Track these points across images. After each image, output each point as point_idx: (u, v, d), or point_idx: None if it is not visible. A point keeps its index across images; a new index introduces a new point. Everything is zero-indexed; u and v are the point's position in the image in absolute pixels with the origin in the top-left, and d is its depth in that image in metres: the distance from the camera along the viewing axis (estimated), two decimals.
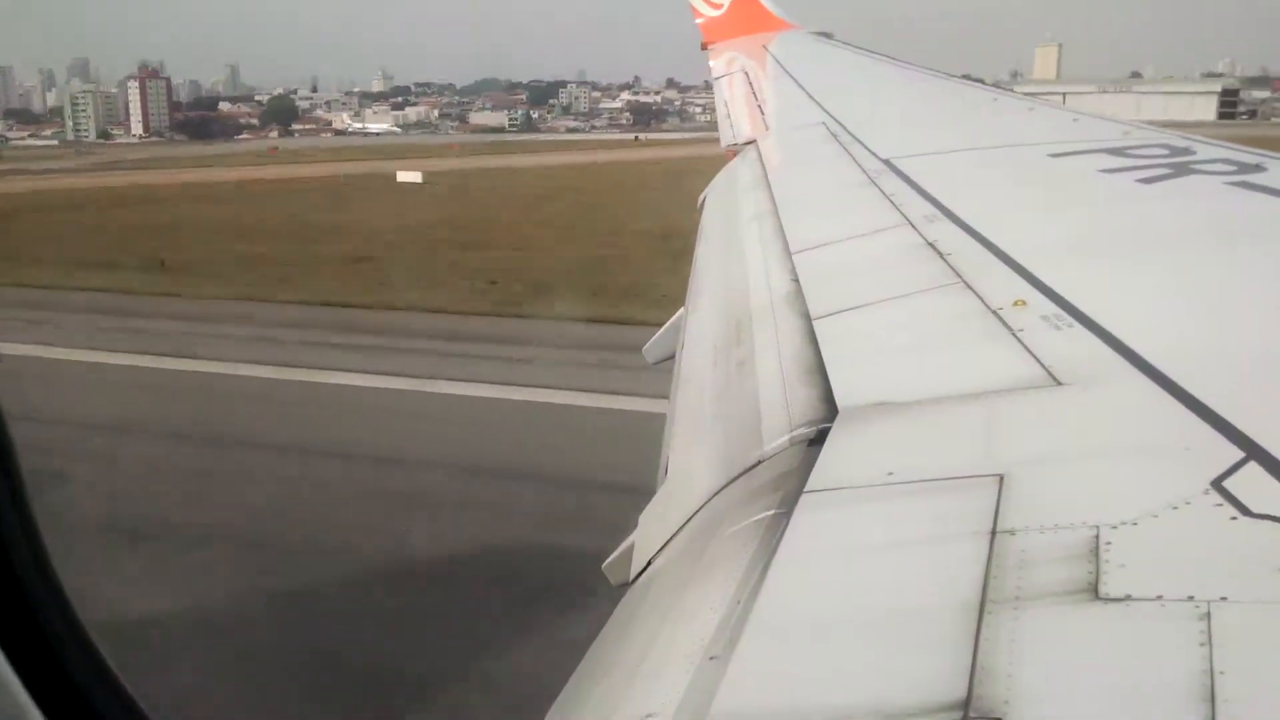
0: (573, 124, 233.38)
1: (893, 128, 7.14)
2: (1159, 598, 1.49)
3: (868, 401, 2.48)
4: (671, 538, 2.59)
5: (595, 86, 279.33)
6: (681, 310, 5.06)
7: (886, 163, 5.31)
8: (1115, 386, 2.26)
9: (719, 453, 2.88)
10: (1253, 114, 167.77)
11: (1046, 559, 1.65)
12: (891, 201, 4.50)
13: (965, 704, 1.35)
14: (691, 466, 3.00)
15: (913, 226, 3.99)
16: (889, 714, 1.39)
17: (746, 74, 11.25)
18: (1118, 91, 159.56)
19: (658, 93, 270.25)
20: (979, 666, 1.42)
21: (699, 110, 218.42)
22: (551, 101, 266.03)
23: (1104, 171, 4.51)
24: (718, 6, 13.30)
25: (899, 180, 4.87)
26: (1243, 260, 3.13)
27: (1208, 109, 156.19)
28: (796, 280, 3.81)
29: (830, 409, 2.53)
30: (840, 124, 6.90)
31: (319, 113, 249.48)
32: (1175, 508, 1.70)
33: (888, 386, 2.55)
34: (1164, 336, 2.51)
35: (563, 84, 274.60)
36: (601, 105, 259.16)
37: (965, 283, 3.19)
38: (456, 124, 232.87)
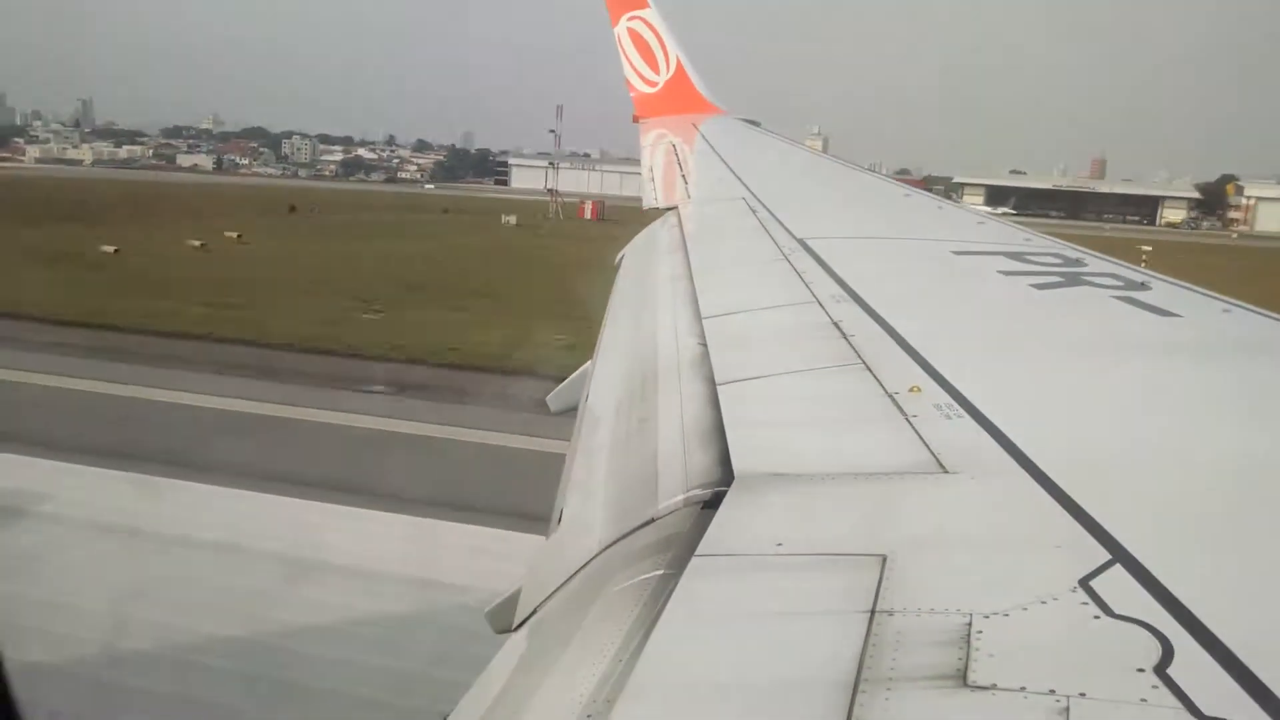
0: (271, 171, 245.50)
1: (810, 210, 7.36)
2: (1022, 689, 1.52)
3: (763, 471, 2.50)
4: (558, 589, 2.55)
5: (342, 141, 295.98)
6: (589, 362, 5.06)
7: (801, 242, 5.46)
8: (997, 479, 2.34)
9: (614, 507, 2.87)
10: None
11: (921, 642, 1.68)
12: (802, 279, 4.62)
13: None
14: (585, 518, 2.98)
15: (820, 305, 4.10)
16: None
17: (674, 146, 11.53)
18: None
19: (385, 150, 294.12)
20: None
21: (415, 170, 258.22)
22: (262, 149, 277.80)
23: (1002, 273, 4.72)
24: (652, 85, 13.67)
25: (811, 260, 5.01)
26: (1123, 370, 3.30)
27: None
28: (704, 344, 3.86)
29: (726, 474, 2.54)
30: (760, 201, 7.07)
31: (48, 140, 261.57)
32: (1044, 603, 1.76)
33: (784, 458, 2.58)
34: (1045, 435, 2.61)
35: (289, 135, 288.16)
36: (324, 157, 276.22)
37: (865, 364, 3.28)
38: (163, 162, 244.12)
